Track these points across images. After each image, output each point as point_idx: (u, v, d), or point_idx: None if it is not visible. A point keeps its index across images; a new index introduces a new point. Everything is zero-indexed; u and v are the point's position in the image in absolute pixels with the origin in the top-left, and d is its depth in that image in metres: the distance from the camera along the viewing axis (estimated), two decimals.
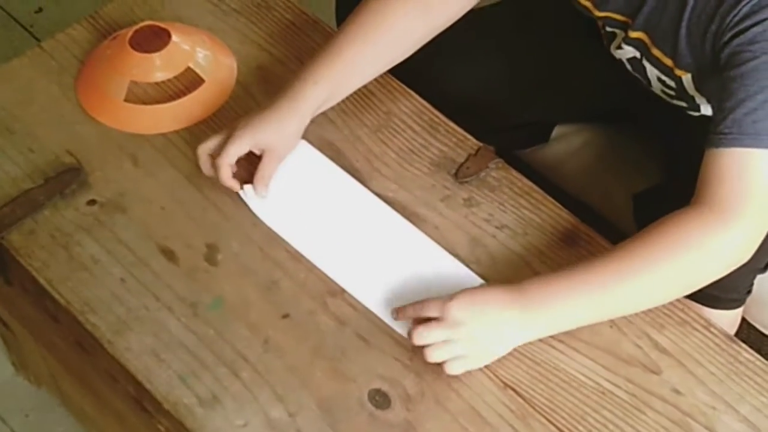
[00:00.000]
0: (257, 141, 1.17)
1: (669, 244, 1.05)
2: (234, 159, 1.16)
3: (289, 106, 1.17)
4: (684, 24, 1.10)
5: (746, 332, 1.47)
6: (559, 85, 1.38)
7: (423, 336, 1.05)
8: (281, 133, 1.18)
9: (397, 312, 1.09)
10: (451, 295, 1.06)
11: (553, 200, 1.21)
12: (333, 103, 1.22)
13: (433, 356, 1.06)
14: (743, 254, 1.06)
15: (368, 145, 1.23)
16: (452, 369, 1.06)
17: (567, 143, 1.43)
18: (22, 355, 1.55)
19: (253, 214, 1.18)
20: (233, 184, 1.18)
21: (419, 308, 1.07)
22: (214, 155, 1.17)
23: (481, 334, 1.06)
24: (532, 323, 1.07)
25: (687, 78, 1.16)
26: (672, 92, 1.22)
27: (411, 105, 1.29)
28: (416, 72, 1.26)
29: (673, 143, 1.32)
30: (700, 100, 1.21)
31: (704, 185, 1.04)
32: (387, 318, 1.11)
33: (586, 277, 1.06)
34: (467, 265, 1.15)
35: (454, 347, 1.05)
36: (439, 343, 1.05)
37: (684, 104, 1.24)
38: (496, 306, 1.06)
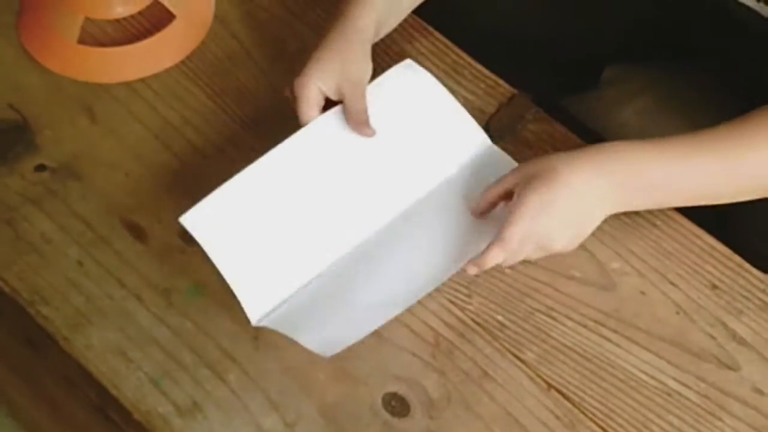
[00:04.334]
0: (328, 87, 1.15)
1: None
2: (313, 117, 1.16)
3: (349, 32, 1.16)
4: None
5: None
6: (610, 12, 1.37)
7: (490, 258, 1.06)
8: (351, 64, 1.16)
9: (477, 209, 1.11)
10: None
11: None
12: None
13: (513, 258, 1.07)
14: None
15: None
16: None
17: (621, 87, 1.43)
18: None
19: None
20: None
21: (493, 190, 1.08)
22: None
23: (562, 223, 1.06)
24: (621, 189, 1.06)
25: None
26: None
27: (429, 44, 1.28)
28: (435, 4, 1.25)
29: (758, 85, 1.28)
30: None
31: None
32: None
33: (698, 140, 1.07)
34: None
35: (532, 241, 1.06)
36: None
37: None
38: (565, 182, 1.05)
